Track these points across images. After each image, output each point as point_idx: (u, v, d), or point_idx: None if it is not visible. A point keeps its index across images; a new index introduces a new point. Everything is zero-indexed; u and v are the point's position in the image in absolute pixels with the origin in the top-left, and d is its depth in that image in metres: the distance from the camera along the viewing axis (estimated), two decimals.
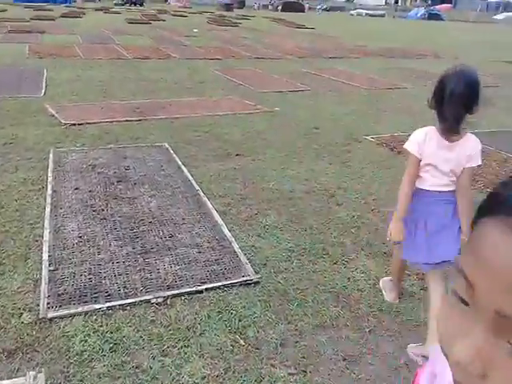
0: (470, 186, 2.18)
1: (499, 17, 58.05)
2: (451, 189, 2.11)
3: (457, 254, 2.06)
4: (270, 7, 50.09)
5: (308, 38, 18.61)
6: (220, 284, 2.55)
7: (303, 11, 47.49)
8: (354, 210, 3.66)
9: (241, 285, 2.60)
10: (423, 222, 2.11)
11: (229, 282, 2.57)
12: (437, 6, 59.13)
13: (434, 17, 46.23)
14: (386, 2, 75.22)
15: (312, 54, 13.59)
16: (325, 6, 55.19)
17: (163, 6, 42.03)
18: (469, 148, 2.03)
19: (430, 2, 72.65)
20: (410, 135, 2.17)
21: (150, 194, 3.63)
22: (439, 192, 2.10)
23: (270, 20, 29.71)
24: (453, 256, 2.07)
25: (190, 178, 4.03)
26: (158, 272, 2.62)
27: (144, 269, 2.65)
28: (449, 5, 67.26)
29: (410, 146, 2.10)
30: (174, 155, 4.56)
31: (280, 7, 48.03)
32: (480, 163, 2.08)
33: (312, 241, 3.16)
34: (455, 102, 1.88)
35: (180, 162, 4.38)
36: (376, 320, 2.46)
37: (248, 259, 2.84)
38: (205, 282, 2.56)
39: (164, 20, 24.65)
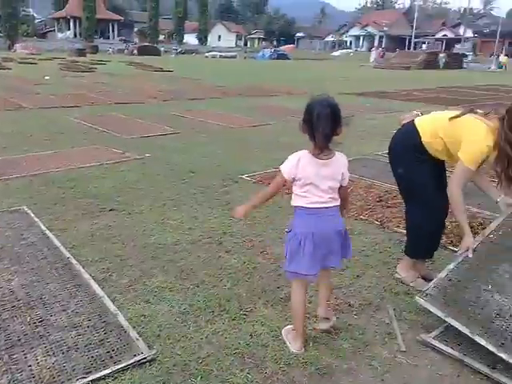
0: (348, 195, 2.71)
1: (336, 54, 64.86)
2: (332, 205, 2.36)
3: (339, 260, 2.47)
4: (125, 51, 49.68)
5: (168, 81, 18.66)
6: (109, 371, 2.17)
7: (159, 55, 47.94)
8: (244, 255, 3.52)
9: (134, 366, 2.25)
10: (311, 236, 2.31)
11: (119, 367, 2.21)
12: (282, 47, 64.07)
13: (281, 56, 49.96)
14: (236, 44, 79.49)
15: (174, 96, 13.56)
16: (180, 49, 56.41)
17: (8, 53, 39.26)
18: (341, 164, 2.35)
19: (275, 43, 78.64)
20: None
21: (11, 271, 3.09)
22: (322, 208, 2.34)
23: (126, 64, 29.35)
24: (338, 263, 2.47)
25: (58, 243, 3.54)
26: (30, 369, 2.17)
27: (11, 368, 2.17)
28: (292, 45, 73.32)
29: (283, 167, 2.34)
30: (36, 219, 4.01)
31: (136, 51, 47.93)
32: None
33: (206, 297, 2.92)
34: (323, 123, 2.17)
35: (44, 227, 3.85)
36: (286, 377, 2.30)
37: (138, 333, 2.50)
38: (90, 372, 2.16)
39: (10, 68, 22.89)
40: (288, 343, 2.53)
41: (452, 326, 2.42)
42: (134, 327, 2.55)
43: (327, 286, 2.64)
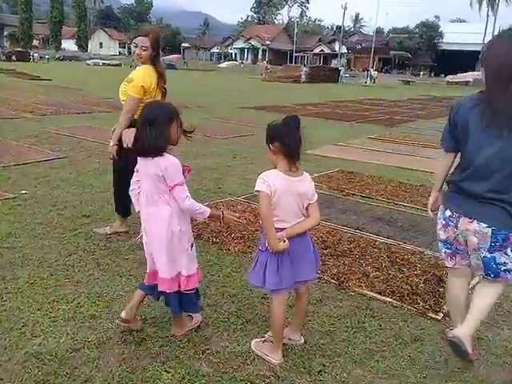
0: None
1: (223, 65, 64.95)
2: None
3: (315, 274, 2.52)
4: None
5: (46, 91, 16.57)
6: None
7: (28, 60, 43.90)
8: (179, 361, 2.49)
9: None
10: (287, 251, 2.27)
11: None
12: (169, 57, 62.57)
13: (168, 67, 48.54)
14: (119, 52, 76.21)
15: (56, 110, 11.81)
16: (58, 56, 52.33)
17: None
18: (309, 183, 2.35)
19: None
20: None
21: None
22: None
23: None
24: (312, 276, 2.48)
25: None
26: None
27: None
28: (178, 55, 72.09)
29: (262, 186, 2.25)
30: None
31: (4, 57, 43.41)
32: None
33: None
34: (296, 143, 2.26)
35: None
36: None
37: None
38: None
39: None
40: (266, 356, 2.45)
41: None
42: None
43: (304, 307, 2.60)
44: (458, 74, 50.62)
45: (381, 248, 3.97)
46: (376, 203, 5.44)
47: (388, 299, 3.14)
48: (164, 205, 2.38)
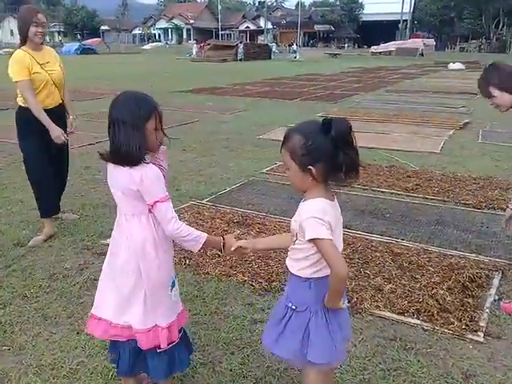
0: None
1: (147, 47, 62.16)
2: None
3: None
4: None
5: None
6: None
7: None
8: None
9: None
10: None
11: None
12: (88, 41, 59.08)
13: (87, 51, 45.71)
14: None
15: None
16: None
17: None
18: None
19: (79, 37, 72.43)
20: None
21: None
22: None
23: None
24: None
25: None
26: None
27: None
28: (98, 39, 68.36)
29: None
30: None
31: None
32: None
33: None
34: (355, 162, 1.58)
35: None
36: None
37: None
38: None
39: None
40: None
41: None
42: None
43: None
44: (381, 45, 51.66)
45: (382, 250, 3.45)
46: (353, 192, 4.93)
47: (415, 321, 2.60)
48: (138, 230, 1.77)
